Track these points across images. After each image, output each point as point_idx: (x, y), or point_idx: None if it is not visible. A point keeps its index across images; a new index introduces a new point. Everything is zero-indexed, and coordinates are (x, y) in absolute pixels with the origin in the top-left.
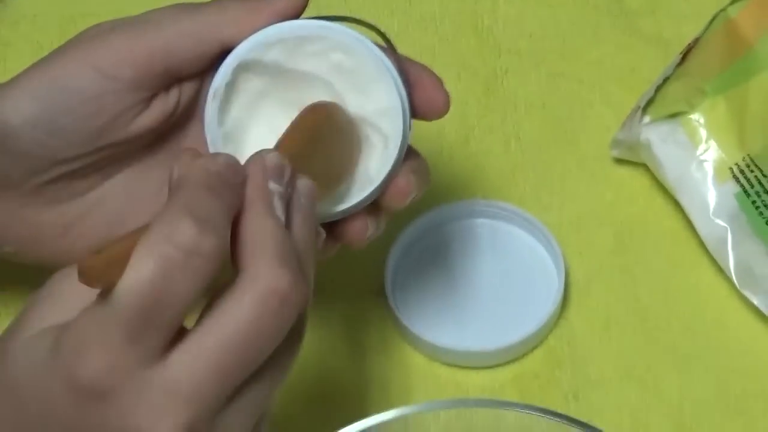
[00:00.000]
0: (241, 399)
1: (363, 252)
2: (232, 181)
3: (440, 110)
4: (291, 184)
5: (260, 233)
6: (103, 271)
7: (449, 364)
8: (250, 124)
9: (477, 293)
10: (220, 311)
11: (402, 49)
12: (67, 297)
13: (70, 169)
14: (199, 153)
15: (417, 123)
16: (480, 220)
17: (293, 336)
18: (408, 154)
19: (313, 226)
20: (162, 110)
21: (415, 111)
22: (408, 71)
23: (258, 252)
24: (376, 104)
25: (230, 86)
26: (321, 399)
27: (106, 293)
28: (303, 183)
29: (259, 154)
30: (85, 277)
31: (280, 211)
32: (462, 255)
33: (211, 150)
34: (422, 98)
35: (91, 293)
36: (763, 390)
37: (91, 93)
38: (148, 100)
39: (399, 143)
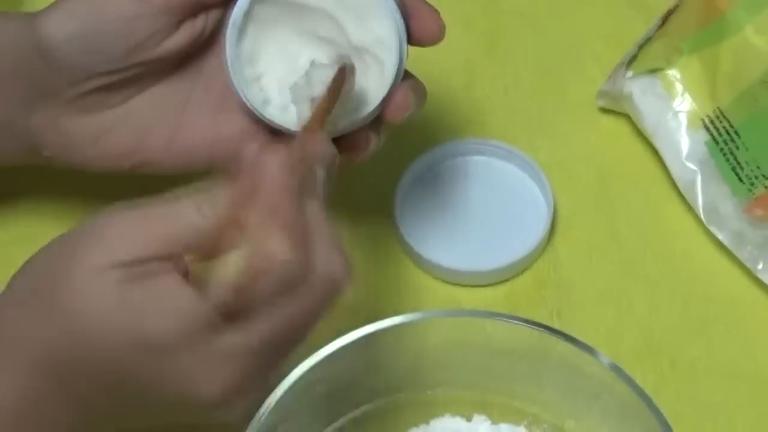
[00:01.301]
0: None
1: (375, 181)
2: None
3: (435, 37)
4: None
5: (322, 234)
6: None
7: (448, 282)
8: (263, 47)
9: (475, 220)
10: (288, 298)
11: None
12: (126, 237)
13: (103, 83)
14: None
15: (426, 70)
16: (479, 157)
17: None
18: (406, 75)
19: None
20: (189, 34)
21: (413, 38)
22: (405, 2)
23: (326, 250)
24: (374, 35)
25: (247, 15)
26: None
27: (197, 282)
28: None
29: (310, 140)
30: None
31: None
32: (463, 187)
33: (230, 69)
34: (419, 26)
35: (151, 235)
36: (722, 314)
37: (126, 16)
38: (177, 25)
39: (394, 70)
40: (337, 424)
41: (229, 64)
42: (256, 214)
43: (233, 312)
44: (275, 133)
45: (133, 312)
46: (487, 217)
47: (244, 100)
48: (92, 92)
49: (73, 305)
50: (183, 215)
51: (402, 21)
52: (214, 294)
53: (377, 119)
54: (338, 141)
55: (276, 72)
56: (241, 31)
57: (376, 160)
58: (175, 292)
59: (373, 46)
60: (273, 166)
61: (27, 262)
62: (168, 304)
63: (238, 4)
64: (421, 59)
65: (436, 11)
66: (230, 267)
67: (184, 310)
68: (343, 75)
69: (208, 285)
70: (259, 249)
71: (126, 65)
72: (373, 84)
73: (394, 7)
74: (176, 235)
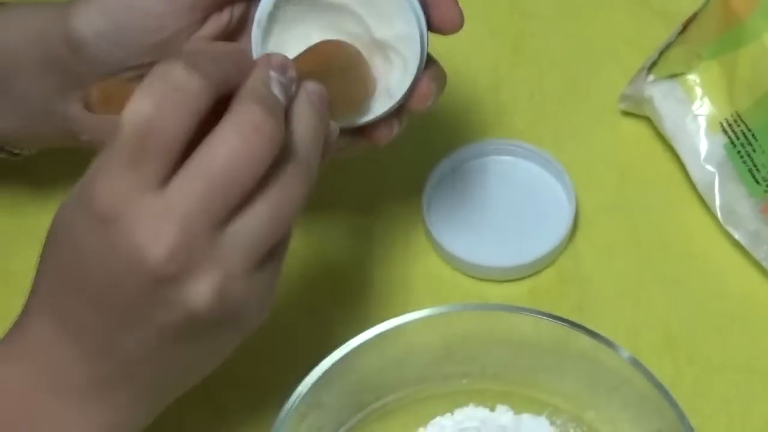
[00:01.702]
0: (238, 222)
1: (404, 180)
2: (235, 57)
3: (455, 25)
4: (293, 81)
5: (248, 88)
6: (104, 101)
7: (474, 277)
8: (288, 44)
9: (500, 218)
10: (205, 144)
11: None
12: None
13: (134, 74)
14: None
15: (454, 73)
16: (505, 157)
17: (283, 166)
18: (428, 63)
19: (318, 118)
20: (215, 28)
21: (433, 27)
22: None
23: (241, 97)
24: (397, 31)
25: (271, 15)
26: (358, 300)
27: (114, 130)
28: (312, 84)
29: (268, 53)
30: (89, 104)
31: (277, 90)
32: (489, 185)
33: None
34: (439, 15)
35: None
36: (738, 311)
37: (154, 12)
38: (203, 20)
39: (416, 65)
40: (365, 412)
41: None
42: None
43: (150, 157)
44: None
45: (82, 192)
46: (512, 214)
47: None
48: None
49: (51, 227)
50: None
51: (423, 15)
52: (123, 133)
53: (400, 108)
54: (363, 128)
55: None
56: (266, 30)
57: (405, 160)
58: (106, 151)
59: (396, 41)
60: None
61: None
62: (101, 167)
63: (262, 2)
64: (449, 62)
65: (456, 0)
66: (131, 100)
67: (113, 166)
68: (332, 45)
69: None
70: (157, 73)
71: (154, 59)
72: (397, 78)
73: (415, 2)
74: None
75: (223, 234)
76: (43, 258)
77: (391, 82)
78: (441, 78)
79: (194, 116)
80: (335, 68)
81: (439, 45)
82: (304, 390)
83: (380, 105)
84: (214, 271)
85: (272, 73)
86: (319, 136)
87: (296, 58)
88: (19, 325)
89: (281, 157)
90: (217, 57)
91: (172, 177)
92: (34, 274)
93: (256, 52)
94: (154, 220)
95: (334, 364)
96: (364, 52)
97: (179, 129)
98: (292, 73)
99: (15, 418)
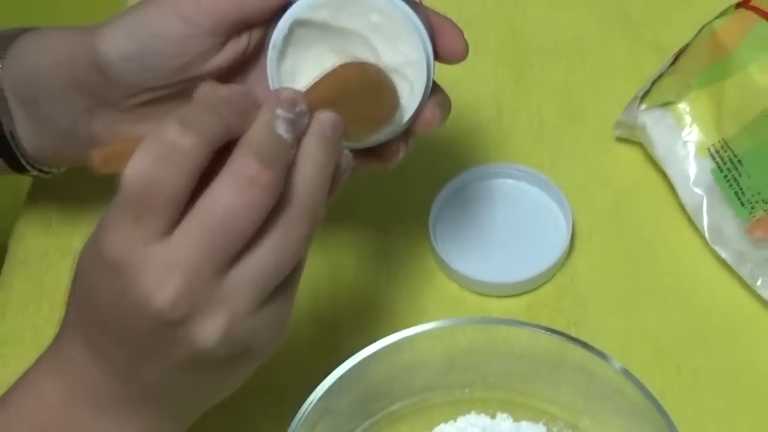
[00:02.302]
0: (240, 266)
1: (412, 200)
2: (238, 105)
3: (459, 55)
4: (303, 115)
5: (248, 137)
6: (107, 161)
7: (476, 292)
8: (303, 67)
9: (501, 236)
10: (205, 196)
11: None
12: None
13: (156, 95)
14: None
15: (459, 101)
16: (506, 180)
17: (286, 211)
18: (433, 90)
19: (329, 148)
20: (234, 52)
21: (439, 56)
22: (433, 22)
23: (240, 146)
24: (404, 57)
25: (287, 38)
26: (369, 313)
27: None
28: (325, 115)
29: (278, 90)
30: (97, 164)
31: (282, 129)
32: (491, 206)
33: (272, 87)
34: (445, 46)
35: None
36: (724, 325)
37: (176, 38)
38: (222, 44)
39: (422, 89)
40: (374, 419)
41: (270, 82)
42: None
43: (151, 211)
44: None
45: (96, 240)
46: (513, 234)
47: None
48: (146, 103)
49: (79, 261)
50: None
51: (430, 43)
52: (125, 189)
53: (406, 131)
54: (371, 150)
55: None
56: (281, 53)
57: (413, 182)
58: (113, 205)
59: (403, 67)
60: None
61: None
62: (110, 220)
63: (278, 27)
64: (455, 90)
65: (461, 31)
66: (131, 159)
67: (119, 219)
68: (351, 69)
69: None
70: (156, 134)
71: (176, 81)
72: (403, 102)
73: (423, 31)
74: None
75: (227, 277)
76: (72, 290)
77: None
78: (446, 104)
79: (191, 173)
80: (354, 90)
81: (446, 74)
82: (317, 397)
83: (388, 127)
84: (220, 312)
85: (279, 111)
86: (326, 173)
87: (314, 85)
88: (56, 346)
89: (283, 200)
90: (216, 107)
91: (176, 227)
92: (67, 297)
93: (271, 73)
94: (159, 269)
95: (345, 373)
96: None
97: (177, 186)
98: (302, 106)
99: (55, 428)
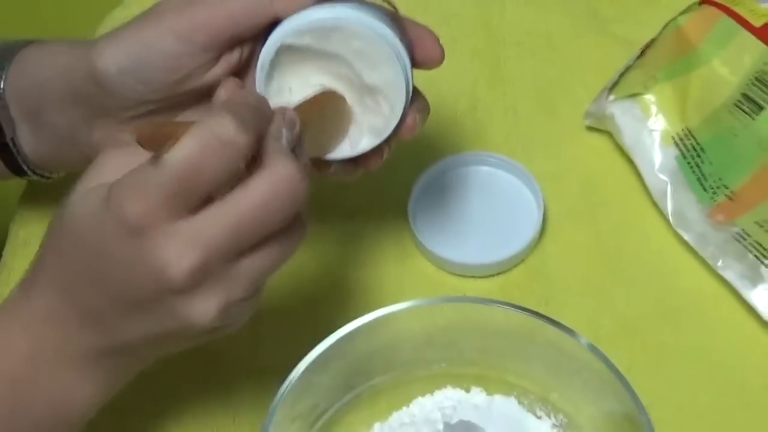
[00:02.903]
0: (248, 259)
1: (392, 186)
2: (263, 111)
3: (436, 62)
4: (298, 138)
5: (278, 145)
6: (156, 139)
7: (453, 273)
8: (289, 86)
9: (477, 221)
10: (242, 188)
11: None
12: (114, 167)
13: (152, 108)
14: (241, 84)
15: (437, 94)
16: (482, 167)
17: (296, 225)
18: (414, 95)
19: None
20: (227, 66)
21: (417, 62)
22: (411, 32)
23: (277, 155)
24: (385, 78)
25: (273, 61)
26: (351, 293)
27: (155, 160)
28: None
29: (283, 107)
30: (142, 140)
31: (286, 144)
32: (467, 192)
33: None
34: (423, 53)
35: (132, 165)
36: (687, 304)
37: (171, 54)
38: (216, 59)
39: (401, 108)
40: (354, 393)
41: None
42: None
43: (187, 192)
44: None
45: (114, 200)
46: (487, 218)
47: None
48: (143, 114)
49: (71, 217)
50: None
51: (408, 61)
52: (167, 169)
53: (388, 137)
54: (356, 159)
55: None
56: (269, 74)
57: (393, 170)
58: (145, 175)
59: (384, 86)
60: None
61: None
62: (138, 187)
63: (265, 49)
64: (432, 84)
65: (437, 38)
66: (180, 143)
67: (150, 190)
68: (324, 100)
69: (162, 161)
70: (209, 125)
71: (172, 94)
72: (384, 118)
73: (402, 51)
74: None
75: (237, 264)
76: (55, 237)
77: (379, 123)
78: (425, 109)
79: (234, 168)
80: (327, 115)
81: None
82: (299, 372)
83: (367, 142)
84: (221, 294)
85: (285, 132)
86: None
87: (298, 106)
88: (26, 294)
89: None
90: (258, 109)
91: (203, 208)
92: (42, 247)
93: (259, 92)
94: (182, 241)
95: (326, 349)
96: (356, 95)
97: (219, 177)
98: (297, 130)
99: (20, 375)
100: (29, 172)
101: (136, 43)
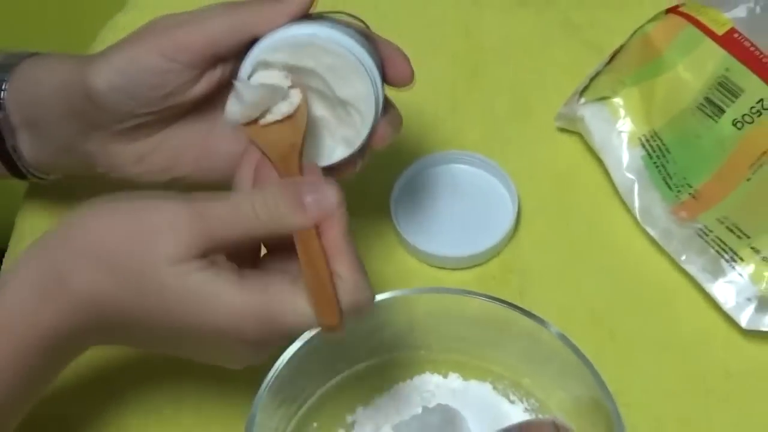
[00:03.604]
0: None
1: (375, 183)
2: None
3: (407, 80)
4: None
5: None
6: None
7: (432, 265)
8: None
9: (455, 216)
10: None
11: (410, 44)
12: (188, 235)
13: (142, 121)
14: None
15: (418, 95)
16: (460, 166)
17: None
18: (386, 108)
19: None
20: (209, 83)
21: (388, 80)
22: (383, 52)
23: (356, 272)
24: (356, 92)
25: (251, 76)
26: None
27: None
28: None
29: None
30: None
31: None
32: (446, 188)
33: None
34: (393, 72)
35: (204, 234)
36: (653, 295)
37: (157, 71)
38: (199, 76)
39: (372, 118)
40: (339, 378)
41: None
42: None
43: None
44: None
45: (196, 302)
46: (465, 213)
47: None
48: (133, 127)
49: (151, 283)
50: (242, 215)
51: (379, 76)
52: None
53: (362, 149)
54: (332, 167)
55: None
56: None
57: (376, 168)
58: (228, 293)
59: (355, 100)
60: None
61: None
62: (220, 304)
63: (242, 67)
64: (414, 87)
65: (407, 58)
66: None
67: (234, 309)
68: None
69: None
70: (351, 287)
71: (158, 109)
72: (357, 128)
73: (372, 67)
74: (234, 232)
75: None
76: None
77: (350, 134)
78: (397, 121)
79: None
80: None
81: None
82: (286, 358)
83: (340, 152)
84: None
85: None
86: None
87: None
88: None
89: None
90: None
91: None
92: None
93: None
94: (298, 302)
95: (312, 336)
96: (329, 107)
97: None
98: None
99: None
100: (28, 175)
101: (126, 62)
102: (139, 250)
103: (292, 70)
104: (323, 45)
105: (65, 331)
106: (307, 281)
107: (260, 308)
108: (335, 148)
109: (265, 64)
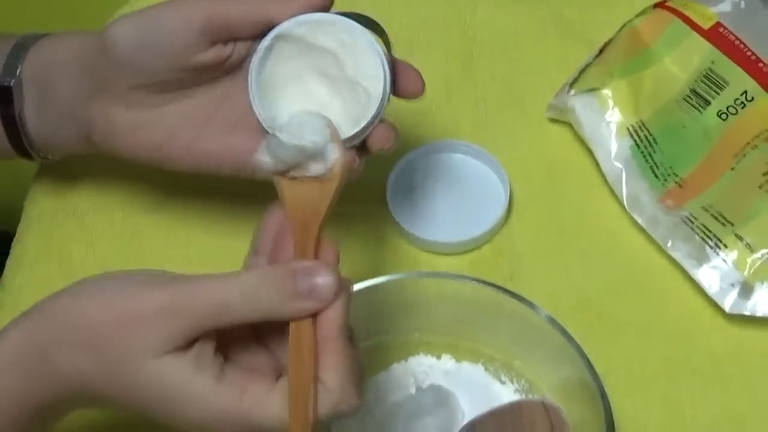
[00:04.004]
0: None
1: (373, 173)
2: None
3: (418, 93)
4: None
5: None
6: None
7: (426, 251)
8: (279, 81)
9: (449, 203)
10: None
11: (407, 38)
12: (170, 324)
13: (146, 82)
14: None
15: None
16: (454, 155)
17: None
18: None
19: None
20: (217, 55)
21: (401, 91)
22: (398, 64)
23: (344, 379)
24: (366, 72)
25: (269, 49)
26: (341, 267)
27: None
28: None
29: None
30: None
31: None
32: (441, 177)
33: (251, 94)
34: (406, 83)
35: (188, 322)
36: (639, 280)
37: (171, 28)
38: (209, 45)
39: (379, 101)
40: None
41: (250, 85)
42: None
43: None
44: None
45: (174, 400)
46: (459, 201)
47: (260, 118)
48: (137, 90)
49: (131, 374)
50: (233, 303)
51: (388, 65)
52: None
53: (362, 147)
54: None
55: (289, 96)
56: (261, 65)
57: (374, 157)
58: (204, 395)
59: (365, 80)
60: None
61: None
62: (195, 406)
63: (263, 39)
64: None
65: (419, 73)
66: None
67: (209, 413)
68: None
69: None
70: (336, 397)
71: (163, 71)
72: (363, 110)
73: (382, 52)
74: (223, 319)
75: None
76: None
77: (360, 113)
78: (396, 133)
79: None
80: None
81: None
82: None
83: (348, 129)
84: None
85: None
86: None
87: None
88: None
89: None
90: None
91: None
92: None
93: (250, 81)
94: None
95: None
96: (337, 89)
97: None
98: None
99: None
100: (30, 150)
101: (143, 17)
102: (121, 338)
103: (306, 50)
104: (344, 24)
105: (51, 402)
106: (290, 383)
107: (235, 414)
108: (340, 129)
109: (284, 41)
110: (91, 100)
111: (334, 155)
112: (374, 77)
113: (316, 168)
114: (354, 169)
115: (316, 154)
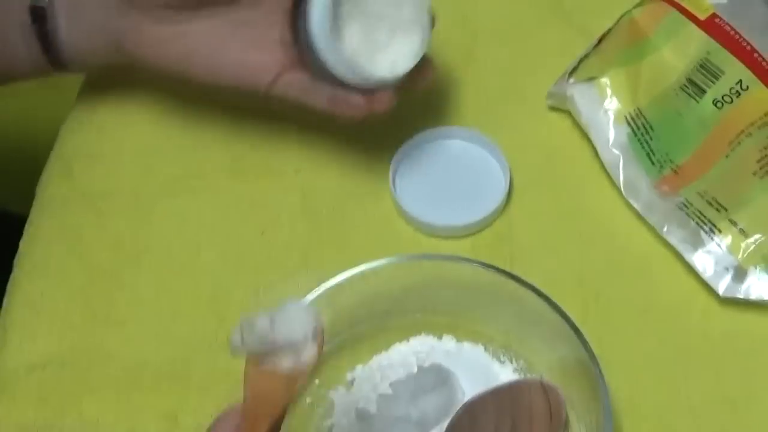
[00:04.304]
0: None
1: (377, 154)
2: None
3: (427, 82)
4: None
5: None
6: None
7: (429, 234)
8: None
9: (451, 188)
10: None
11: None
12: None
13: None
14: None
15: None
16: (456, 140)
17: None
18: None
19: None
20: None
21: (415, 85)
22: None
23: None
24: (415, 16)
25: None
26: (338, 250)
27: None
28: None
29: None
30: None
31: None
32: (443, 162)
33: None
34: (420, 77)
35: None
36: (635, 264)
37: None
38: None
39: (422, 44)
40: (340, 338)
41: (319, 26)
42: None
43: None
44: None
45: None
46: (460, 186)
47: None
48: (165, 7)
49: None
50: None
51: (430, 13)
52: None
53: (412, 80)
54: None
55: (355, 27)
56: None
57: (377, 140)
58: None
59: (413, 24)
60: None
61: None
62: None
63: None
64: None
65: (434, 68)
66: None
67: None
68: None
69: None
70: None
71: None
72: (407, 54)
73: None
74: None
75: None
76: None
77: (401, 58)
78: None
79: None
80: None
81: None
82: None
83: (392, 75)
84: None
85: None
86: None
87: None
88: None
89: None
90: None
91: None
92: None
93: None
94: None
95: (315, 299)
96: (384, 27)
97: None
98: None
99: None
100: (66, 63)
101: None
102: None
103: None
104: None
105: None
106: None
107: None
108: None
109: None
110: (122, 14)
111: (309, 353)
112: (418, 21)
113: (286, 362)
114: (387, 110)
115: (292, 348)
